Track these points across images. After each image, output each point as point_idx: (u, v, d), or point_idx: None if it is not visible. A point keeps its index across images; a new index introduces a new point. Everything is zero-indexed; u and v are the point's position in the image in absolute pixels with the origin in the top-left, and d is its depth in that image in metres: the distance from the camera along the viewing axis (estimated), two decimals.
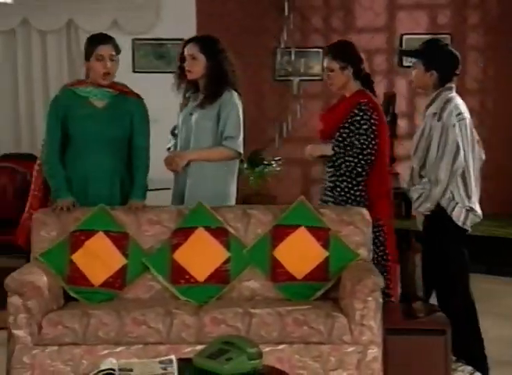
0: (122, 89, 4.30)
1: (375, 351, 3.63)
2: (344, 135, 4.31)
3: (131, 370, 2.87)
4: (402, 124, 8.57)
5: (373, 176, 4.32)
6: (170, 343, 3.65)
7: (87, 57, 4.22)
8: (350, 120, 4.31)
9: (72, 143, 4.25)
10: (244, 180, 7.54)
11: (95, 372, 2.90)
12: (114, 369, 2.86)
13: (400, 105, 8.52)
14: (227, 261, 4.01)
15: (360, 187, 4.32)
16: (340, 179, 4.33)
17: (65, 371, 3.63)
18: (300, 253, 3.99)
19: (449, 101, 4.01)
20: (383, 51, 8.60)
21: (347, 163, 4.29)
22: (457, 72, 4.11)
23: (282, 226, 4.05)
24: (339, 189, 4.34)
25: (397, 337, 3.81)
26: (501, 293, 6.33)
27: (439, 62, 4.04)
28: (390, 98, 8.44)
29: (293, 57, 8.28)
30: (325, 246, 4.00)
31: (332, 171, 4.37)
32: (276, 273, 4.00)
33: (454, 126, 3.94)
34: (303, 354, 3.64)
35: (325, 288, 3.96)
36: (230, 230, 4.06)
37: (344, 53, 4.40)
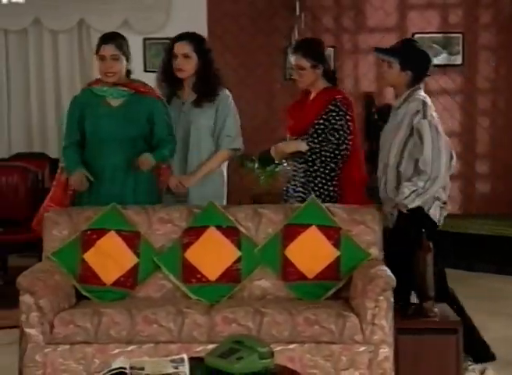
0: (139, 88, 4.29)
1: (386, 351, 3.62)
2: (319, 131, 4.32)
3: (142, 369, 2.87)
4: None
5: (347, 172, 4.34)
6: (181, 342, 3.65)
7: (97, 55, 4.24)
8: (325, 116, 4.33)
9: (87, 143, 4.28)
10: (255, 180, 7.55)
11: (107, 371, 2.90)
12: (125, 368, 2.87)
13: None
14: (238, 260, 4.01)
15: (334, 183, 4.34)
16: (314, 175, 4.35)
17: (77, 370, 3.64)
18: (312, 252, 3.99)
19: (426, 99, 4.05)
20: None
21: (322, 158, 4.30)
22: (429, 73, 4.14)
23: (293, 226, 4.05)
24: (312, 185, 4.35)
25: (409, 336, 3.80)
26: (511, 293, 6.31)
27: (415, 62, 4.08)
28: None
29: None
30: (337, 245, 3.99)
31: (305, 167, 4.37)
32: (287, 272, 4.00)
33: (438, 123, 3.99)
34: (314, 353, 3.63)
35: (336, 288, 3.95)
36: (241, 229, 4.06)
37: (315, 52, 4.40)
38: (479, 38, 8.54)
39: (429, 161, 3.95)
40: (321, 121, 4.33)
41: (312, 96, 4.46)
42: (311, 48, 4.40)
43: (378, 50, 4.35)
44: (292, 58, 4.42)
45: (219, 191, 4.51)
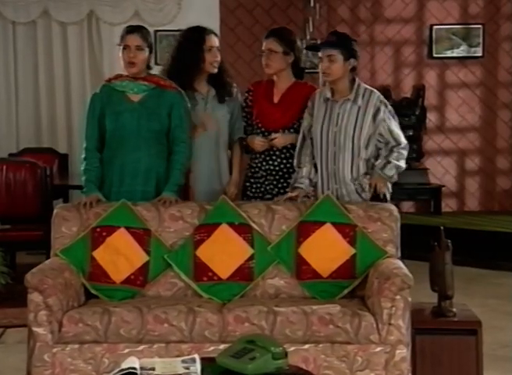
0: (159, 81, 4.30)
1: (403, 352, 3.61)
2: None
3: (153, 369, 2.88)
4: (431, 118, 8.53)
5: None
6: (193, 341, 3.66)
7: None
8: None
9: (109, 139, 4.27)
10: None
11: (116, 371, 2.91)
12: (135, 368, 2.87)
13: (429, 98, 8.47)
14: (251, 258, 4.01)
15: None
16: None
17: (86, 370, 3.65)
18: (326, 250, 3.99)
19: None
20: (412, 42, 8.55)
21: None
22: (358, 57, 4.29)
23: (307, 223, 4.04)
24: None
25: (426, 336, 3.80)
26: None
27: (354, 50, 4.20)
28: (419, 91, 8.40)
29: None
30: (352, 243, 3.99)
31: (292, 162, 4.39)
32: (301, 270, 4.00)
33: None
34: (329, 354, 3.63)
35: (351, 286, 3.94)
36: (254, 226, 4.06)
37: (290, 40, 4.43)
38: (500, 29, 8.50)
39: (399, 137, 4.21)
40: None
41: (281, 88, 4.45)
42: (285, 35, 4.44)
43: (311, 48, 4.59)
44: (264, 43, 4.44)
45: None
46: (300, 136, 4.33)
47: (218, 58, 4.45)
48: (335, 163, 4.23)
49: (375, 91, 4.26)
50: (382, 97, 4.25)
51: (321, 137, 4.24)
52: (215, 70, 4.44)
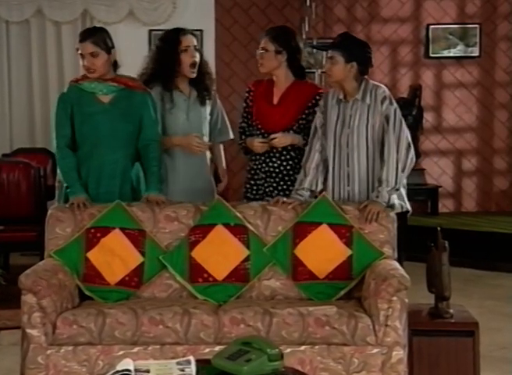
0: (127, 83, 4.31)
1: (400, 353, 3.62)
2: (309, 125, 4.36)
3: (148, 371, 2.87)
4: (428, 118, 8.54)
5: None
6: (188, 343, 3.66)
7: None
8: (312, 110, 4.37)
9: (82, 141, 4.26)
10: None
11: (111, 373, 2.91)
12: (130, 370, 2.87)
13: (426, 98, 8.49)
14: (247, 259, 4.01)
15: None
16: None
17: (80, 372, 3.64)
18: (322, 251, 3.99)
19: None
20: (409, 42, 8.57)
21: None
22: (373, 63, 4.25)
23: (303, 224, 4.05)
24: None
25: (423, 338, 3.80)
26: None
27: (358, 52, 4.16)
28: (416, 91, 8.41)
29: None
30: (348, 244, 3.99)
31: (292, 164, 4.40)
32: (297, 271, 4.00)
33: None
34: (325, 355, 3.63)
35: (348, 288, 3.95)
36: (250, 227, 4.07)
37: (284, 39, 4.43)
38: (497, 29, 8.53)
39: (393, 149, 4.10)
40: (310, 118, 4.37)
41: (281, 88, 4.45)
42: (280, 34, 4.45)
43: (317, 48, 4.51)
44: (261, 42, 4.46)
45: (210, 185, 4.62)
46: (312, 132, 4.28)
47: (196, 59, 4.43)
48: (348, 165, 4.20)
49: (381, 85, 4.22)
50: (387, 91, 4.18)
51: (334, 140, 4.20)
52: (193, 75, 4.45)
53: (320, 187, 4.28)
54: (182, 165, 4.49)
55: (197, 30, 6.13)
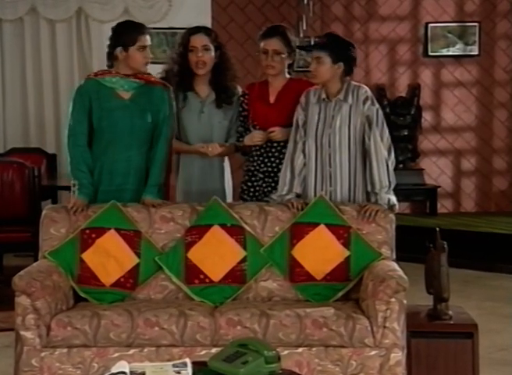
0: (149, 78, 4.30)
1: (398, 355, 3.62)
2: None
3: (143, 374, 2.88)
4: (427, 117, 8.55)
5: None
6: (184, 345, 3.66)
7: (126, 45, 4.18)
8: None
9: (99, 136, 4.24)
10: None
11: None
12: (125, 373, 2.87)
13: (425, 97, 8.50)
14: (243, 260, 4.01)
15: None
16: None
17: (75, 374, 3.65)
18: (320, 252, 3.99)
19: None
20: (407, 40, 8.58)
21: None
22: (356, 63, 4.29)
23: (300, 224, 4.05)
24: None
25: (422, 340, 3.81)
26: None
27: (344, 52, 4.18)
28: (414, 90, 8.43)
29: None
30: (346, 245, 3.99)
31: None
32: (295, 272, 4.00)
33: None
34: (322, 357, 3.64)
35: (346, 289, 3.95)
36: (246, 227, 4.07)
37: (291, 40, 4.43)
38: (497, 27, 8.54)
39: (380, 148, 4.10)
40: None
41: (276, 87, 4.45)
42: (288, 35, 4.43)
43: (302, 48, 4.54)
44: (265, 42, 4.40)
45: (221, 187, 4.55)
46: (294, 128, 4.26)
47: (204, 58, 4.41)
48: (330, 165, 4.22)
49: (363, 85, 4.24)
50: (369, 92, 4.21)
51: (315, 140, 4.22)
52: (200, 71, 4.43)
53: (300, 188, 4.27)
54: (195, 167, 4.49)
55: None
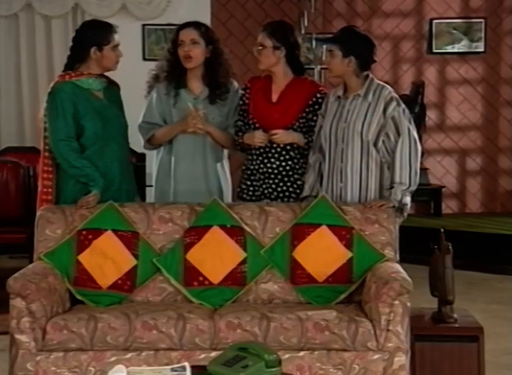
0: (109, 78, 4.37)
1: (402, 359, 3.62)
2: (312, 123, 4.37)
3: None
4: (431, 116, 8.55)
5: None
6: (183, 349, 3.66)
7: (101, 45, 4.20)
8: (312, 108, 4.39)
9: (92, 140, 4.23)
10: None
11: None
12: None
13: (429, 95, 8.50)
14: (243, 262, 4.01)
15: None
16: (300, 171, 4.40)
17: None
18: (322, 254, 3.99)
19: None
20: (411, 37, 8.58)
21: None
22: (375, 58, 4.26)
23: (302, 225, 4.05)
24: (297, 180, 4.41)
25: (426, 343, 3.81)
26: None
27: (357, 47, 4.17)
28: (419, 88, 8.42)
29: (314, 44, 8.27)
30: (349, 246, 4.00)
31: (292, 164, 4.39)
32: (296, 274, 4.01)
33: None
34: (324, 361, 3.64)
35: (348, 291, 3.96)
36: (247, 228, 4.07)
37: (282, 34, 4.43)
38: (503, 23, 8.54)
39: (406, 150, 4.09)
40: (310, 117, 4.38)
41: (280, 85, 4.45)
42: (277, 29, 4.45)
43: (318, 40, 4.55)
44: (258, 37, 4.47)
45: (219, 187, 4.55)
46: (316, 132, 4.32)
47: (190, 52, 4.40)
48: (342, 161, 4.22)
49: (387, 86, 4.24)
50: (394, 93, 4.20)
51: (329, 134, 4.23)
52: (188, 65, 4.43)
53: (318, 189, 4.33)
54: (185, 165, 4.48)
55: None
